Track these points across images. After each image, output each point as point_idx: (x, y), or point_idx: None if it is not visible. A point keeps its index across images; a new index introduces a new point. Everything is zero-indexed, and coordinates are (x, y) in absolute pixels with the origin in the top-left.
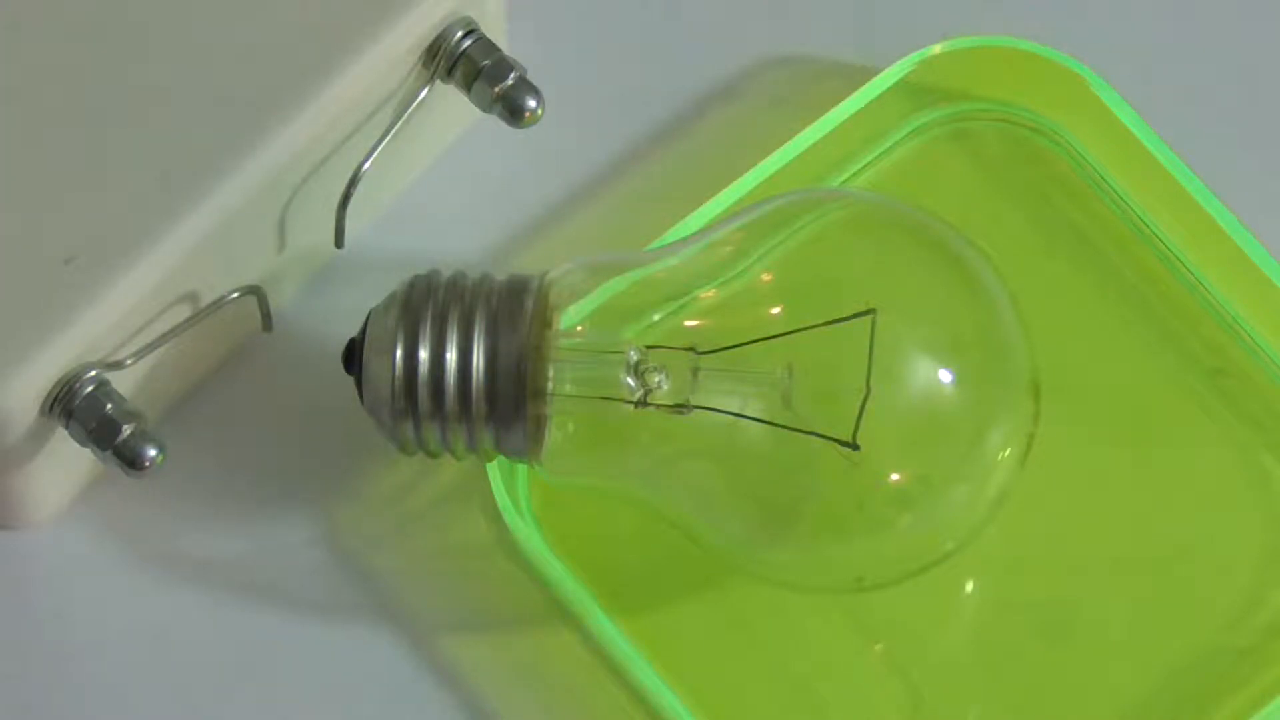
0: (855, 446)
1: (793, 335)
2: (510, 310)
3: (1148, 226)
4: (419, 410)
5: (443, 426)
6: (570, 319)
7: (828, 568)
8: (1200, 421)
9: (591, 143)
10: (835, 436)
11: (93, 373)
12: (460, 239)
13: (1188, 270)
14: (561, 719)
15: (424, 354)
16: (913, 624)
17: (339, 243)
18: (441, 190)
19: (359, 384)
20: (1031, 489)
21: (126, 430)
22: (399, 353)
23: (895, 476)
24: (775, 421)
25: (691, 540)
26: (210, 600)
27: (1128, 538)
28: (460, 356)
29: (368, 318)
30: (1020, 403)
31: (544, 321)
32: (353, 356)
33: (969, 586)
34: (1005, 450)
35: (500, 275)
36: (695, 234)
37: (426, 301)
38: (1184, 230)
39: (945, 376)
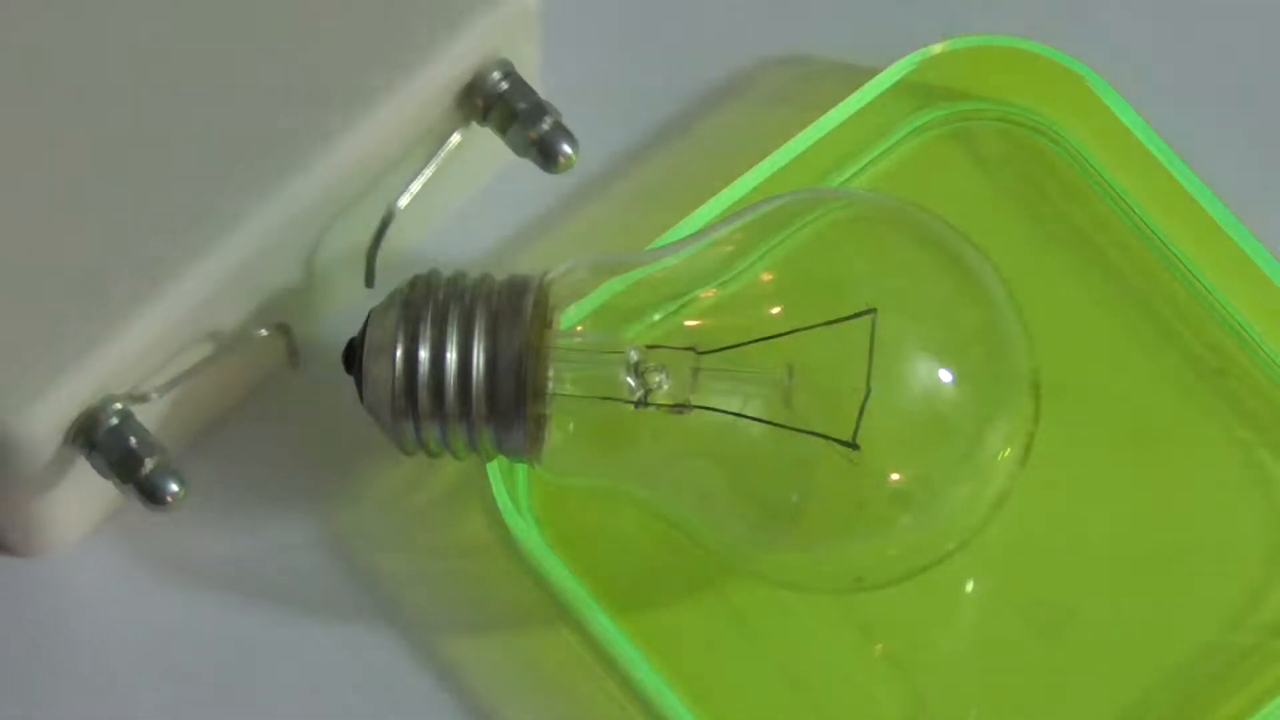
0: (855, 446)
1: (793, 335)
2: (510, 310)
3: (1148, 226)
4: (419, 410)
5: (443, 426)
6: (570, 319)
7: (828, 568)
8: (1200, 421)
9: (592, 143)
10: (835, 436)
11: (117, 405)
12: (460, 239)
13: (1188, 270)
14: (561, 719)
15: (424, 354)
16: (913, 624)
17: (369, 282)
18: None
19: (359, 384)
20: (1031, 489)
21: (149, 465)
22: (399, 353)
23: (895, 476)
24: (775, 421)
25: (692, 540)
26: (210, 600)
27: (1128, 537)
28: (460, 356)
29: (368, 318)
30: (1020, 402)
31: (544, 321)
32: (353, 356)
33: (969, 586)
34: (1005, 450)
35: (500, 275)
36: (695, 234)
37: (426, 301)
38: (1184, 230)
39: (945, 376)
